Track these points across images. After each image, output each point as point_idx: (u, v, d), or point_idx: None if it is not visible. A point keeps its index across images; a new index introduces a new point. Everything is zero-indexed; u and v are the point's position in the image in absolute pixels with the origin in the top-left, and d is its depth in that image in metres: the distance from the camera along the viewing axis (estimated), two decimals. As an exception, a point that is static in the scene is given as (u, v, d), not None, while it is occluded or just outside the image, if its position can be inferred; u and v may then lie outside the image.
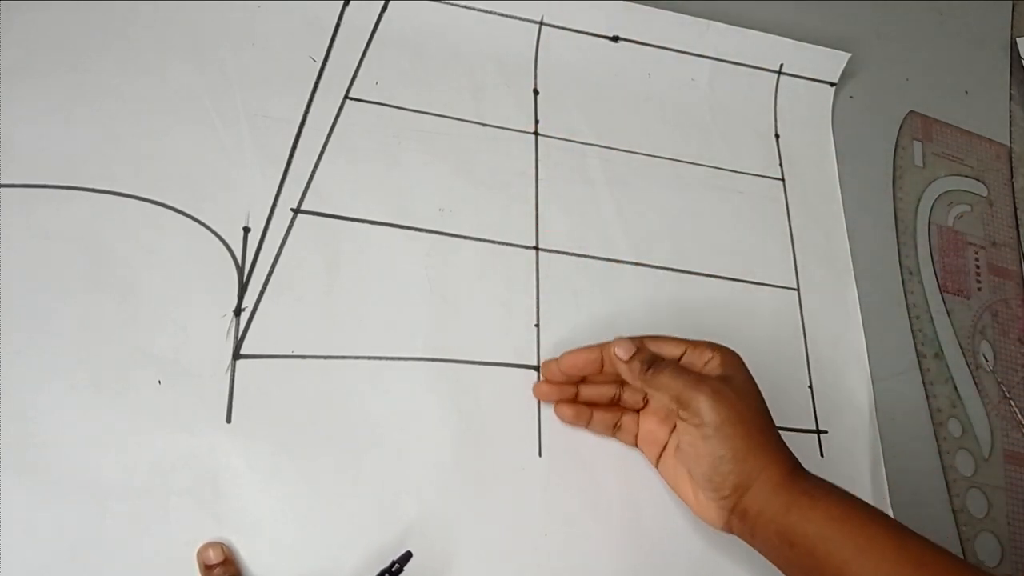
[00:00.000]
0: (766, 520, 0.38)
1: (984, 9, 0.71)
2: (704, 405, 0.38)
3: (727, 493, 0.39)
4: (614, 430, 0.44)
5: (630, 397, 0.44)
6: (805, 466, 0.40)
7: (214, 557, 0.36)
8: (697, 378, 0.39)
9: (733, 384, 0.39)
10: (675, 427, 0.42)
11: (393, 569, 0.35)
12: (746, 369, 0.41)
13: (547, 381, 0.44)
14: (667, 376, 0.39)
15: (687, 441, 0.39)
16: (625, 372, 0.41)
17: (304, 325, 0.42)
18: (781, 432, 0.40)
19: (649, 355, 0.41)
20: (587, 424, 0.44)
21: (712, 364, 0.40)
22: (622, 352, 0.40)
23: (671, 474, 0.42)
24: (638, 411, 0.44)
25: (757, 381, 0.41)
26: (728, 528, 0.40)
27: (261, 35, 0.48)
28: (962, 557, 0.39)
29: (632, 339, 0.41)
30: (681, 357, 0.41)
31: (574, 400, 0.44)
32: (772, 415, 0.40)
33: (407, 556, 0.36)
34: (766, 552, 0.39)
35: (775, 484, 0.38)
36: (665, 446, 0.43)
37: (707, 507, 0.40)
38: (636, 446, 0.44)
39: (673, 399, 0.39)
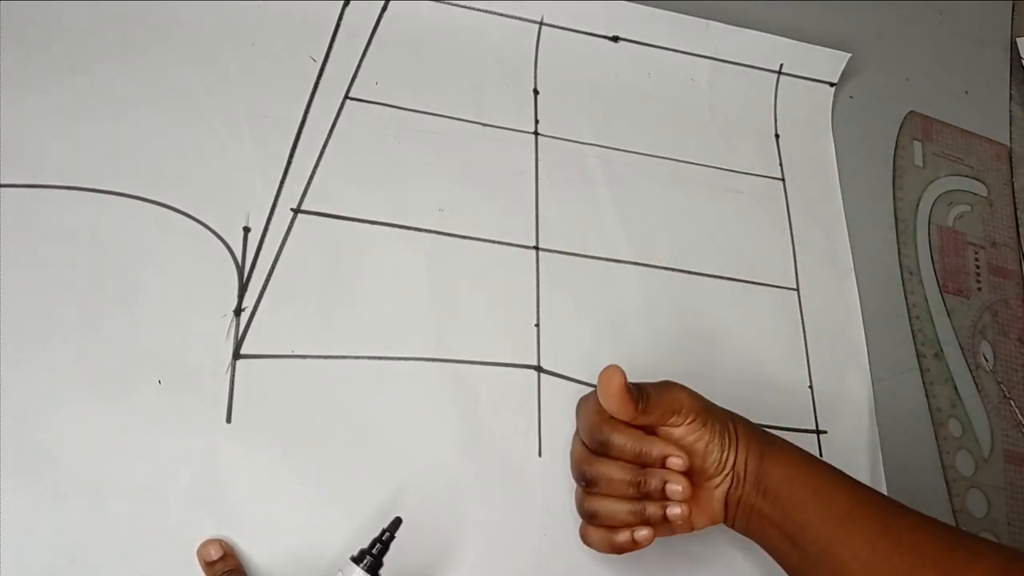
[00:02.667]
0: (748, 475, 0.39)
1: (984, 9, 0.71)
2: (682, 392, 0.39)
3: (730, 465, 0.39)
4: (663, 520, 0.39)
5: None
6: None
7: (214, 553, 0.36)
8: (657, 384, 0.40)
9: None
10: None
11: (384, 537, 0.35)
12: None
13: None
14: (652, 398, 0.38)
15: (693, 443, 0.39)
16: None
17: (304, 325, 0.42)
18: (781, 432, 0.41)
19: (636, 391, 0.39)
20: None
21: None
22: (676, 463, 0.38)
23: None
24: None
25: (756, 382, 0.41)
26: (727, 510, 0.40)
27: (261, 35, 0.48)
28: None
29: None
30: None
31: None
32: (772, 415, 0.40)
33: (397, 522, 0.36)
34: (747, 522, 0.39)
35: (748, 437, 0.39)
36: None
37: (719, 499, 0.40)
38: (695, 525, 0.40)
39: (666, 410, 0.39)
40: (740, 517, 0.39)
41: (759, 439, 0.40)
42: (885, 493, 0.49)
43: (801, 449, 0.40)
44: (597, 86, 0.55)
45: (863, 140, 0.61)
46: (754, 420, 0.41)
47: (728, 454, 0.39)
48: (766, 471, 0.38)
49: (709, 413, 0.39)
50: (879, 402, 0.52)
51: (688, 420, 0.39)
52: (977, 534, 0.37)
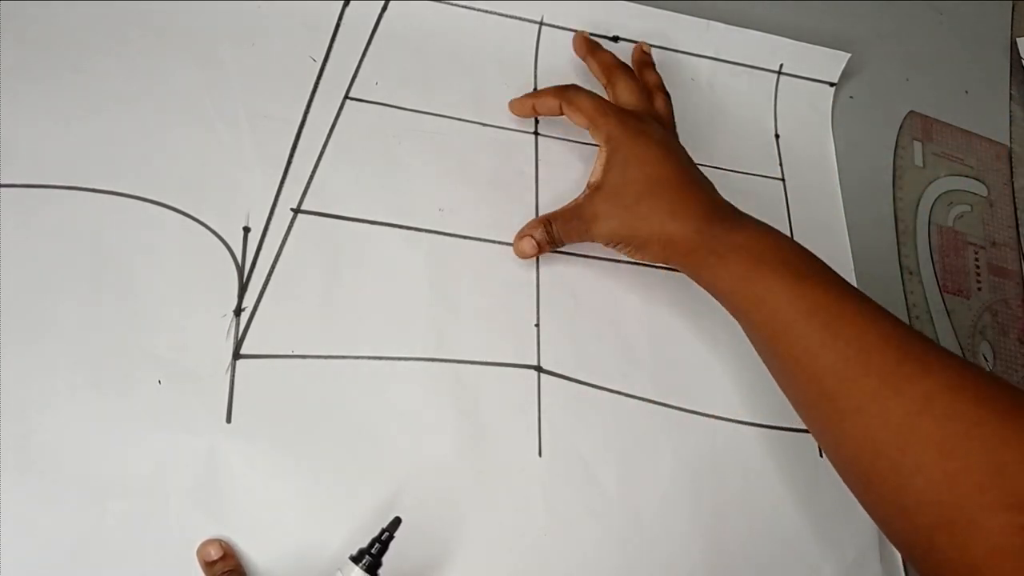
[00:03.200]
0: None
1: (984, 9, 0.71)
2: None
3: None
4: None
5: None
6: (804, 465, 0.40)
7: (214, 553, 0.36)
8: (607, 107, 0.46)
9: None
10: None
11: (383, 538, 0.35)
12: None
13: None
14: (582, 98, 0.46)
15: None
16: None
17: (304, 325, 0.42)
18: (781, 431, 0.40)
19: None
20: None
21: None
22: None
23: None
24: None
25: (756, 381, 0.41)
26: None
27: (261, 35, 0.48)
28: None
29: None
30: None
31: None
32: (772, 415, 0.40)
33: (396, 522, 0.36)
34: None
35: (677, 245, 0.43)
36: None
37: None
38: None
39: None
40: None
41: (695, 249, 0.43)
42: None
43: (748, 256, 0.41)
44: (597, 86, 0.55)
45: (863, 140, 0.61)
46: (755, 420, 0.41)
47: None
48: (707, 283, 0.43)
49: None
50: (879, 402, 0.52)
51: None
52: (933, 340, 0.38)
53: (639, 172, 0.44)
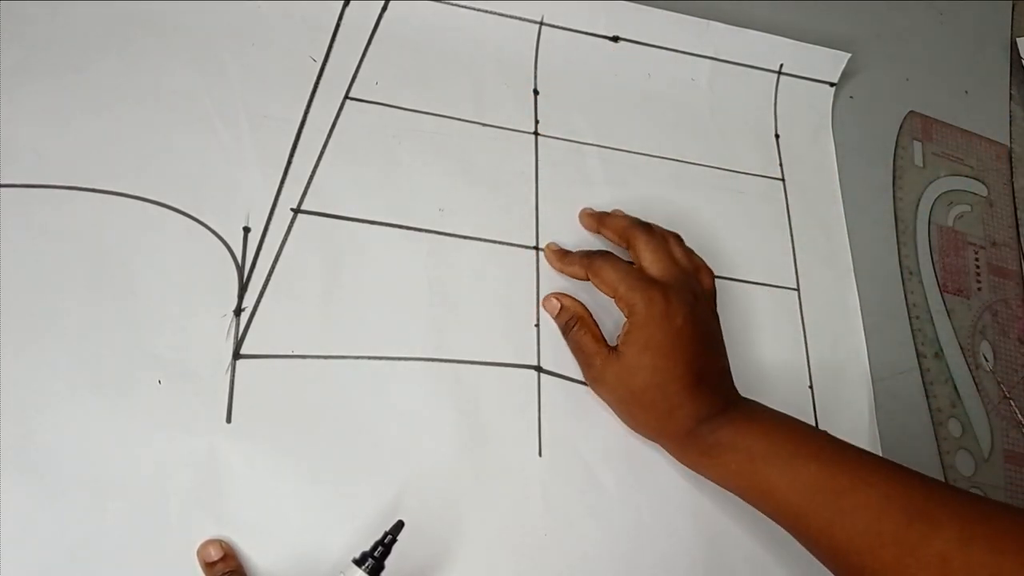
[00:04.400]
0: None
1: (984, 9, 0.71)
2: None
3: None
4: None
5: None
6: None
7: (214, 554, 0.36)
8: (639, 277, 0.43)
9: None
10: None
11: (386, 541, 0.35)
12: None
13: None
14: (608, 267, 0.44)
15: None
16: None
17: (304, 325, 0.42)
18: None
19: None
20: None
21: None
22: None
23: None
24: None
25: (756, 381, 0.41)
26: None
27: (261, 35, 0.48)
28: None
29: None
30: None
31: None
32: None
33: (399, 525, 0.36)
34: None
35: (680, 437, 0.42)
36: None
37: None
38: None
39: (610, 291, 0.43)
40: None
41: (693, 441, 0.42)
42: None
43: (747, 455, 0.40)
44: (597, 86, 0.55)
45: (863, 140, 0.61)
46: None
47: None
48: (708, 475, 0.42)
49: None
50: (879, 402, 0.52)
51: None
52: (952, 485, 0.38)
53: (650, 362, 0.41)
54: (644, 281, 0.43)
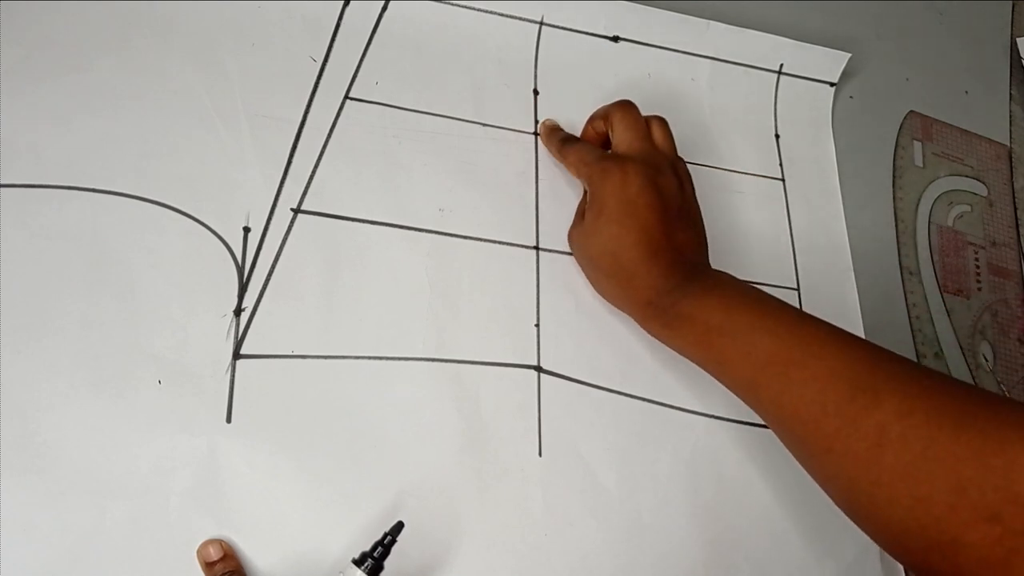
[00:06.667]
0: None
1: (984, 9, 0.71)
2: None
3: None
4: None
5: None
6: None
7: (214, 554, 0.36)
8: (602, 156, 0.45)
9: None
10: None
11: (386, 541, 0.35)
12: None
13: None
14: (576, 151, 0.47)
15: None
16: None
17: (304, 325, 0.42)
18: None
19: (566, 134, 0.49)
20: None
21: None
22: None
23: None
24: None
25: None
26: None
27: (261, 35, 0.48)
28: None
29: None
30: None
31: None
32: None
33: (399, 526, 0.36)
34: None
35: (642, 307, 0.43)
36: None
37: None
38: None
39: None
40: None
41: (655, 311, 0.43)
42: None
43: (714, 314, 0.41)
44: (597, 86, 0.55)
45: (863, 140, 0.61)
46: (755, 420, 0.41)
47: None
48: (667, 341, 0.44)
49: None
50: (879, 402, 0.52)
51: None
52: (900, 355, 0.38)
53: (604, 229, 0.44)
54: (605, 159, 0.45)
